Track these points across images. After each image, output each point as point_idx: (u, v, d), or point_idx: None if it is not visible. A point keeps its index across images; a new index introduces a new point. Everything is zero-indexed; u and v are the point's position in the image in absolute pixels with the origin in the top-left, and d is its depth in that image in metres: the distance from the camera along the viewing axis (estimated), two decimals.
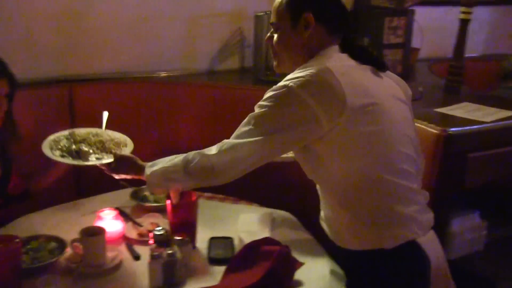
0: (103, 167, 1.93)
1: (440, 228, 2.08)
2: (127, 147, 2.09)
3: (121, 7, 2.70)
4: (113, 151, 2.01)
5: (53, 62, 2.60)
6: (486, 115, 2.31)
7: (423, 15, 3.35)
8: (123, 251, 1.78)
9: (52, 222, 1.96)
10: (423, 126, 2.10)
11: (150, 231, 1.78)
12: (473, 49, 3.91)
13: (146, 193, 2.18)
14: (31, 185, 2.14)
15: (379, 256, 1.56)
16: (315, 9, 1.61)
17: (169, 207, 1.77)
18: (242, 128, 1.59)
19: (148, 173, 1.69)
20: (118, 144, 2.10)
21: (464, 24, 2.63)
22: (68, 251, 1.70)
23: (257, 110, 1.58)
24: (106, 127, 2.20)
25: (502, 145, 2.25)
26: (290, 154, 1.82)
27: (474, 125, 2.18)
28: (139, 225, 1.92)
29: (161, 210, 1.99)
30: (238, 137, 1.59)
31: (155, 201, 2.13)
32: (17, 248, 1.49)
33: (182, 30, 2.88)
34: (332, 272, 1.69)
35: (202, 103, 2.70)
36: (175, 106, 2.68)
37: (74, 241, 1.72)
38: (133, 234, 1.87)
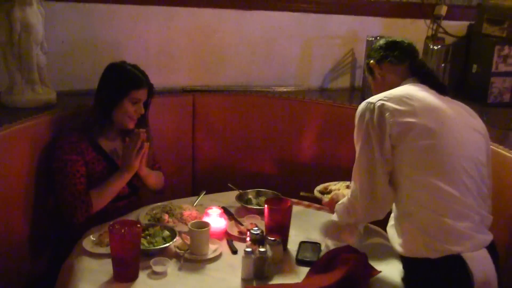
0: None
1: None
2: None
3: (246, 27, 3.02)
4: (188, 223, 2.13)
5: (182, 74, 2.97)
6: None
7: None
8: (223, 245, 2.04)
9: None
10: (509, 155, 2.17)
11: (248, 230, 2.04)
12: None
13: (250, 196, 2.44)
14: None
15: (425, 265, 1.70)
16: (373, 57, 2.05)
17: (266, 211, 2.02)
18: None
19: None
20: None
21: None
22: (178, 239, 2.00)
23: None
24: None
25: None
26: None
27: None
28: (240, 223, 2.19)
29: (262, 213, 2.21)
30: None
31: (257, 204, 2.38)
32: (139, 232, 1.80)
33: (299, 50, 3.15)
34: (403, 280, 1.84)
35: (313, 118, 2.91)
36: (288, 120, 2.92)
37: (183, 232, 2.04)
38: (234, 231, 2.14)
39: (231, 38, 3.00)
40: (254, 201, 2.43)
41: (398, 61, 2.00)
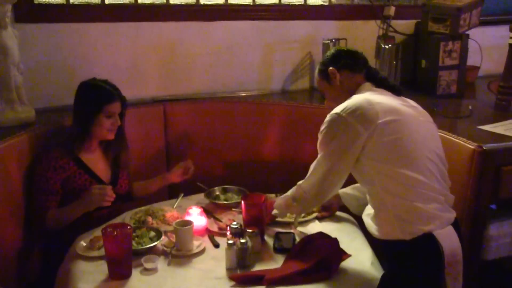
0: None
1: (478, 232, 2.39)
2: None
3: (209, 37, 3.17)
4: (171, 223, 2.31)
5: (152, 85, 3.12)
6: None
7: (485, 33, 3.63)
8: (206, 240, 2.22)
9: None
10: (461, 142, 2.38)
11: (227, 225, 2.21)
12: None
13: (218, 192, 2.65)
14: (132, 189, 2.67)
15: (401, 245, 1.86)
16: (334, 63, 2.16)
17: (243, 206, 2.21)
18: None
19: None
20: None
21: None
22: (164, 238, 2.17)
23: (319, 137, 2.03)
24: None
25: None
26: None
27: (510, 141, 2.43)
28: (219, 220, 2.37)
29: (230, 207, 2.50)
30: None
31: (225, 200, 2.59)
32: (130, 233, 1.97)
33: (260, 56, 3.32)
34: (373, 264, 2.06)
35: (277, 119, 3.10)
36: (253, 122, 3.09)
37: (168, 231, 2.20)
38: (214, 227, 2.31)
39: (196, 48, 3.15)
40: (221, 197, 2.63)
41: (357, 69, 2.15)
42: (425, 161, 1.91)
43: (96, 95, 2.38)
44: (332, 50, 2.27)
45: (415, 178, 1.86)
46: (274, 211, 2.25)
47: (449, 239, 1.88)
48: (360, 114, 1.90)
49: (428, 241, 1.85)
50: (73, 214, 2.34)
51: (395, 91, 2.11)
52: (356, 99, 1.98)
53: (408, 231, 1.85)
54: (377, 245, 2.06)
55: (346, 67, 2.15)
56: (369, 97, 1.98)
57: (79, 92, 2.42)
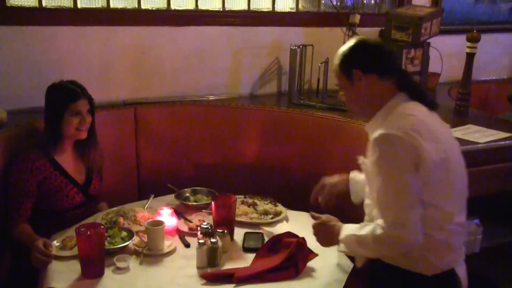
0: None
1: None
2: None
3: (180, 42, 3.23)
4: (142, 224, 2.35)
5: (123, 88, 3.16)
6: (483, 137, 2.69)
7: (445, 42, 3.78)
8: (176, 240, 2.28)
9: None
10: None
11: (198, 226, 2.28)
12: (499, 72, 4.30)
13: (188, 194, 2.69)
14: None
15: (418, 279, 1.83)
16: (361, 64, 1.86)
17: (213, 207, 2.27)
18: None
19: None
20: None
21: (470, 56, 3.01)
22: (136, 238, 2.22)
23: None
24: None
25: (494, 162, 2.63)
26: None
27: (468, 145, 2.56)
28: (189, 221, 2.43)
29: (200, 208, 2.56)
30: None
31: (194, 201, 2.64)
32: (103, 233, 2.01)
33: (229, 61, 3.40)
34: (339, 264, 2.13)
35: (245, 122, 3.16)
36: (222, 125, 3.15)
37: (140, 231, 2.26)
38: (184, 228, 2.37)
39: (167, 52, 3.21)
40: (191, 198, 2.68)
41: (387, 74, 1.87)
42: (463, 196, 1.86)
43: (61, 94, 2.42)
44: (356, 41, 1.93)
45: (451, 214, 1.79)
46: (341, 247, 1.94)
47: (464, 274, 1.89)
48: (419, 140, 1.71)
49: (450, 277, 1.83)
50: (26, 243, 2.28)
51: (432, 105, 1.89)
52: (401, 125, 1.75)
53: (434, 265, 1.81)
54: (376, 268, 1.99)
55: (374, 71, 1.86)
56: (420, 116, 1.79)
57: (47, 93, 2.45)
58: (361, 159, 1.98)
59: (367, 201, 2.02)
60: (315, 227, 2.04)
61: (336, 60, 1.93)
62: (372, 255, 1.89)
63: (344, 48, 1.93)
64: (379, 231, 1.74)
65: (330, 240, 1.99)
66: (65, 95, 2.41)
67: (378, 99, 1.88)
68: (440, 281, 1.82)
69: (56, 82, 2.47)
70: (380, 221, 1.75)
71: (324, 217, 2.04)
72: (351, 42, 1.92)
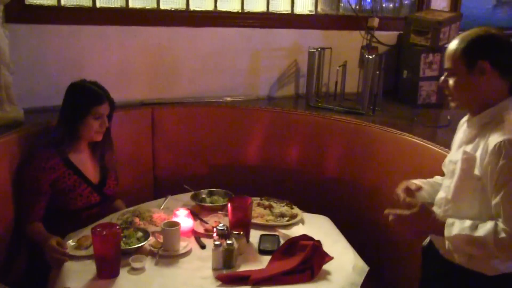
0: None
1: None
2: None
3: (197, 43, 3.24)
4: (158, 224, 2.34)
5: (140, 88, 3.17)
6: None
7: None
8: (192, 242, 2.26)
9: None
10: (440, 150, 2.46)
11: (214, 227, 2.26)
12: None
13: (204, 195, 2.68)
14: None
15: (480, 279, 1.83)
16: (492, 58, 1.77)
17: (230, 209, 2.26)
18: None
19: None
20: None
21: None
22: (152, 239, 2.21)
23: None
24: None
25: None
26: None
27: None
28: (206, 222, 2.42)
29: (216, 209, 2.53)
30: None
31: (211, 202, 2.62)
32: (119, 233, 2.00)
33: (247, 62, 3.40)
34: (354, 267, 2.11)
35: (262, 124, 3.17)
36: (239, 127, 3.16)
37: (156, 232, 2.25)
38: (200, 229, 2.36)
39: (184, 53, 3.21)
40: (207, 199, 2.66)
41: (508, 76, 1.80)
42: None
43: (85, 96, 2.41)
44: (488, 32, 1.83)
45: None
46: (447, 245, 1.85)
47: None
48: None
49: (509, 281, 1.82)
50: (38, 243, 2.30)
51: None
52: None
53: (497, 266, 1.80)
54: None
55: (500, 68, 1.78)
56: None
57: (69, 92, 2.44)
58: (465, 153, 1.86)
59: (442, 195, 1.97)
60: (410, 217, 1.87)
61: (459, 45, 1.82)
62: (485, 255, 1.80)
63: (472, 35, 1.82)
64: (503, 235, 1.68)
65: (422, 232, 2.01)
66: (89, 97, 2.40)
67: (488, 97, 1.81)
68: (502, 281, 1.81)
69: (77, 82, 2.46)
70: (501, 225, 1.70)
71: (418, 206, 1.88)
72: (480, 31, 1.83)
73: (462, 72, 1.81)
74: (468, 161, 1.83)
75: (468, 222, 1.77)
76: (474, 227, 1.75)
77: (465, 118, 1.99)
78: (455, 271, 1.89)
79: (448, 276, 1.94)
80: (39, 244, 2.23)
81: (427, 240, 2.12)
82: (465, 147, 1.87)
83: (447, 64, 1.86)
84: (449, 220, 1.81)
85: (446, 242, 1.83)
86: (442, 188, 2.01)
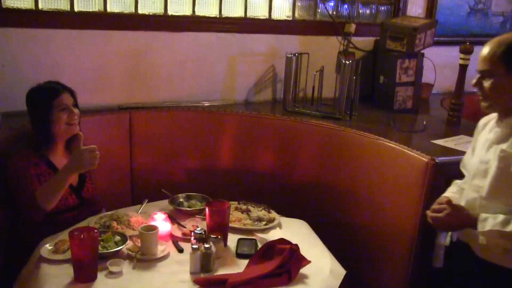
0: None
1: (430, 241, 2.52)
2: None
3: (176, 47, 3.24)
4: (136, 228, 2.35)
5: (118, 93, 3.16)
6: None
7: (439, 53, 3.81)
8: (170, 245, 2.27)
9: None
10: (415, 155, 2.52)
11: (191, 231, 2.27)
12: None
13: (181, 199, 2.69)
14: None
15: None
16: None
17: (207, 212, 2.27)
18: None
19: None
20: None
21: (463, 68, 3.04)
22: (129, 243, 2.21)
23: None
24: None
25: None
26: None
27: (460, 155, 2.56)
28: (183, 226, 2.42)
29: (194, 213, 2.55)
30: None
31: (188, 207, 2.64)
32: (97, 236, 2.01)
33: (224, 67, 3.40)
34: (332, 271, 2.14)
35: (239, 129, 3.18)
36: (217, 131, 3.17)
37: (133, 236, 2.25)
38: (178, 233, 2.37)
39: (163, 58, 3.21)
40: (185, 204, 2.67)
41: None
42: None
43: (42, 93, 2.42)
44: None
45: None
46: (481, 240, 1.92)
47: None
48: None
49: None
50: (61, 183, 2.34)
51: None
52: None
53: None
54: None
55: None
56: None
57: (28, 97, 2.45)
58: (502, 151, 1.92)
59: (473, 195, 2.03)
60: (445, 217, 2.00)
61: (498, 48, 1.89)
62: None
63: (511, 38, 1.89)
64: None
65: (455, 227, 2.08)
66: (46, 93, 2.41)
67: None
68: None
69: (33, 86, 2.47)
70: None
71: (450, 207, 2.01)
72: None
73: (501, 74, 1.87)
74: (506, 159, 1.90)
75: (501, 217, 1.86)
76: (507, 222, 1.84)
77: (484, 120, 2.13)
78: (487, 269, 1.96)
79: (479, 274, 2.01)
80: (61, 183, 2.33)
81: (448, 240, 2.25)
82: (499, 146, 1.94)
83: (483, 66, 1.93)
84: (482, 215, 1.90)
85: (480, 237, 1.90)
86: (469, 188, 2.07)
